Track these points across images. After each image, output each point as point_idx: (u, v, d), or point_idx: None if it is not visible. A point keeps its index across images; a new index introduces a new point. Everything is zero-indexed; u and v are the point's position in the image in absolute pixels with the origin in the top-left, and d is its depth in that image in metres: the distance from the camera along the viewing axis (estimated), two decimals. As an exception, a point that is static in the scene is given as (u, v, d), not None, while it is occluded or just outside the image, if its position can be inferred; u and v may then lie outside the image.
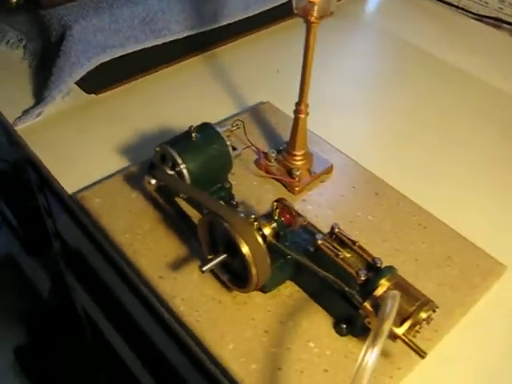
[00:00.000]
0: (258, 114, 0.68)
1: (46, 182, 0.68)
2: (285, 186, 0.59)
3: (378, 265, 0.43)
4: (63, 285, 0.94)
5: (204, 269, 0.44)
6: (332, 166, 0.61)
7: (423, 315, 0.41)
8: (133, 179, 0.58)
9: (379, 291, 0.42)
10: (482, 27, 0.92)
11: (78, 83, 0.70)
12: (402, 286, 0.42)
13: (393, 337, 0.41)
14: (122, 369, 0.83)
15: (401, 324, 0.41)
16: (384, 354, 0.44)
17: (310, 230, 0.49)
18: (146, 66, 0.75)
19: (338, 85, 0.77)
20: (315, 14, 0.49)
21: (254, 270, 0.43)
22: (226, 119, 0.67)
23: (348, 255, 0.45)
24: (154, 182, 0.51)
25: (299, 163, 0.59)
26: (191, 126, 0.52)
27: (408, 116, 0.72)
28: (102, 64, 0.68)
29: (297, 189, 0.58)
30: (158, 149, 0.52)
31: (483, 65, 0.82)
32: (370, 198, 0.58)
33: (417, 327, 0.41)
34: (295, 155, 0.59)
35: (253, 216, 0.45)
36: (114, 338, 0.82)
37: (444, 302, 0.47)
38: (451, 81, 0.79)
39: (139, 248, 0.52)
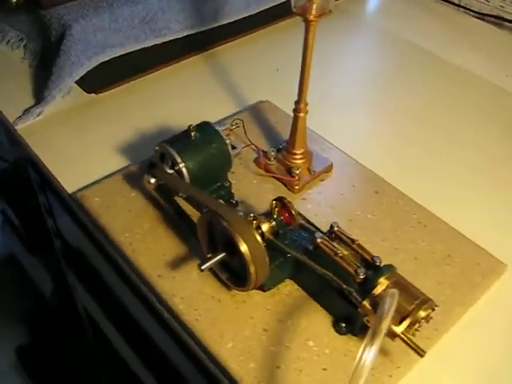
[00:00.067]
0: (257, 112, 0.68)
1: (47, 181, 0.68)
2: (284, 184, 0.59)
3: (377, 263, 0.43)
4: (65, 284, 0.94)
5: (203, 267, 0.44)
6: (332, 164, 0.61)
7: (422, 314, 0.41)
8: (132, 178, 0.58)
9: (378, 290, 0.41)
10: (483, 25, 0.91)
11: (78, 83, 0.70)
12: (401, 284, 0.42)
13: (392, 335, 0.40)
14: (124, 368, 0.83)
15: (400, 322, 0.40)
16: (383, 352, 0.44)
17: (309, 229, 0.49)
18: (145, 66, 0.75)
19: (339, 84, 0.77)
20: (314, 12, 0.49)
21: (252, 269, 0.43)
22: (225, 118, 0.67)
23: (347, 254, 0.45)
24: (153, 180, 0.51)
25: (299, 162, 0.59)
26: (190, 125, 0.52)
27: (408, 115, 0.72)
28: (101, 63, 0.68)
29: (296, 187, 0.58)
30: (157, 148, 0.52)
31: (485, 63, 0.82)
32: (370, 197, 0.58)
33: (416, 326, 0.41)
34: (295, 154, 0.59)
35: (252, 215, 0.45)
36: (115, 338, 0.82)
37: (444, 301, 0.47)
38: (452, 79, 0.79)
39: (138, 247, 0.52)
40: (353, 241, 0.46)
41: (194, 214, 0.54)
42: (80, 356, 1.14)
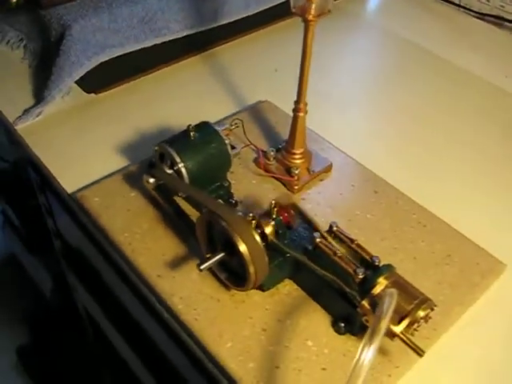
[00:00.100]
0: (257, 112, 0.68)
1: (46, 182, 0.68)
2: (284, 184, 0.59)
3: (376, 263, 0.43)
4: (65, 284, 0.94)
5: (202, 267, 0.44)
6: (331, 164, 0.61)
7: (421, 313, 0.41)
8: (132, 178, 0.58)
9: (377, 289, 0.41)
10: (483, 25, 0.91)
11: (77, 83, 0.70)
12: (400, 284, 0.42)
13: (391, 335, 0.40)
14: (124, 368, 0.83)
15: (399, 322, 0.40)
16: (382, 352, 0.44)
17: (309, 229, 0.49)
18: (145, 66, 0.75)
19: (338, 83, 0.77)
20: (313, 12, 0.49)
21: (251, 269, 0.43)
22: (224, 118, 0.67)
23: (346, 253, 0.45)
24: (152, 180, 0.52)
25: (298, 162, 0.59)
26: (190, 125, 0.52)
27: (408, 114, 0.72)
28: (101, 63, 0.68)
29: (296, 187, 0.58)
30: (156, 148, 0.52)
31: (485, 63, 0.82)
32: (369, 197, 0.58)
33: (415, 325, 0.41)
34: (294, 154, 0.59)
35: (251, 214, 0.45)
36: (116, 338, 0.82)
37: (443, 301, 0.47)
38: (452, 79, 0.79)
39: (138, 247, 0.52)
40: (352, 240, 0.46)
41: (193, 213, 0.54)
42: (80, 356, 1.14)
